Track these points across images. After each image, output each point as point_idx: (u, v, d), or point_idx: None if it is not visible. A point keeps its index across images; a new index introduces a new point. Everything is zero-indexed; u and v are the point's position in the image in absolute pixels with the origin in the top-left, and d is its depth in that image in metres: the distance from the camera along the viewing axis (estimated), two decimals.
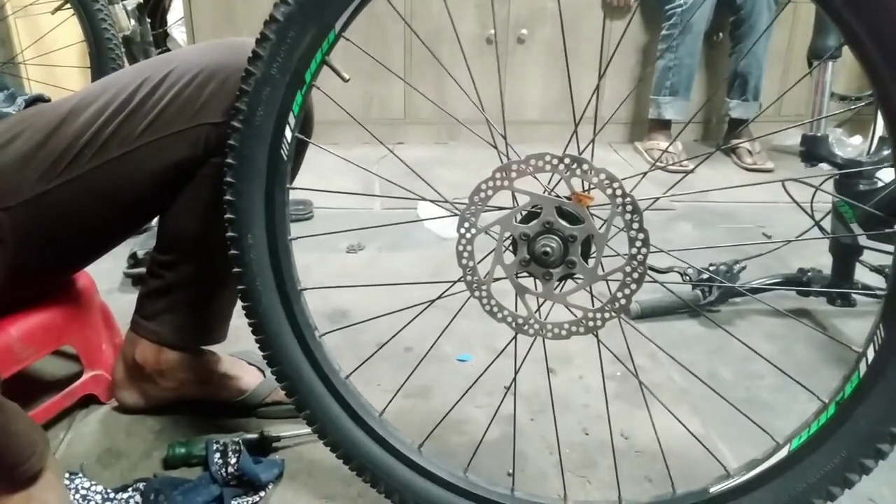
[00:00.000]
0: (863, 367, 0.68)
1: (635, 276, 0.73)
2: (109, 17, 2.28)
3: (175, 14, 3.24)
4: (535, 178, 0.75)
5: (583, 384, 1.19)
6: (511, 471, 1.05)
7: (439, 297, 0.85)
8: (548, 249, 0.73)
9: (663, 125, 2.81)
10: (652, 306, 1.55)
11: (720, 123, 3.05)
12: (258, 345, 0.89)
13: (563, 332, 0.77)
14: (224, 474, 0.99)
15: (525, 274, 0.77)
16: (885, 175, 1.36)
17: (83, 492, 0.95)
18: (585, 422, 1.17)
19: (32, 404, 1.08)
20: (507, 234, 0.76)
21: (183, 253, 1.04)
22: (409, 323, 0.91)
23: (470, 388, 0.88)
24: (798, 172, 1.54)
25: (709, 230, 2.08)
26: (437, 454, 0.90)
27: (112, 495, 0.96)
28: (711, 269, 1.60)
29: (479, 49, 2.89)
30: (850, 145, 1.47)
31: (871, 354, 0.68)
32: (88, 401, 1.16)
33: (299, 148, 1.02)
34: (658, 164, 2.68)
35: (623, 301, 0.74)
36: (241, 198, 0.82)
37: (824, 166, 1.44)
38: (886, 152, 1.35)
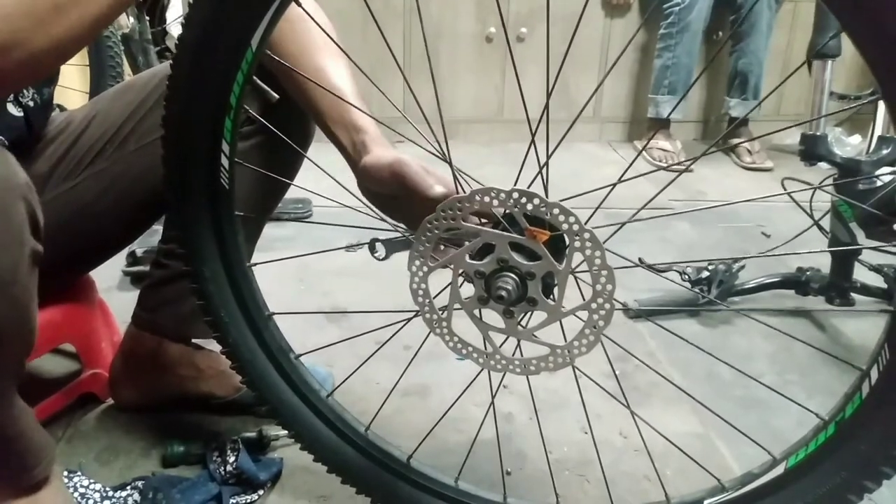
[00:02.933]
0: (865, 388, 0.63)
1: (602, 312, 0.68)
2: None
3: (174, 12, 3.24)
4: (491, 211, 0.68)
5: (581, 383, 1.19)
6: (509, 471, 1.05)
7: (393, 335, 0.83)
8: (503, 293, 0.67)
9: (662, 124, 2.81)
10: (650, 305, 1.55)
11: (719, 122, 3.05)
12: (235, 371, 0.89)
13: (532, 368, 0.73)
14: (222, 473, 0.99)
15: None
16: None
17: (82, 490, 0.95)
18: (584, 420, 1.17)
19: (32, 402, 1.07)
20: (461, 271, 0.71)
21: None
22: (372, 354, 0.90)
23: (462, 394, 0.88)
24: (797, 172, 1.54)
25: (707, 230, 2.08)
26: (433, 454, 0.90)
27: (111, 493, 0.96)
28: (710, 268, 1.60)
29: (479, 47, 2.89)
30: (850, 144, 1.47)
31: (874, 375, 0.63)
32: (87, 399, 1.16)
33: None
34: (657, 163, 2.68)
35: (591, 338, 0.69)
36: (190, 232, 0.80)
37: (823, 165, 1.44)
38: (886, 151, 1.35)
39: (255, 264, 0.85)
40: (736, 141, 2.80)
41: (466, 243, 0.69)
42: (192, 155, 0.75)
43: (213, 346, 1.17)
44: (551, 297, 0.70)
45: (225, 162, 0.75)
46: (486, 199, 0.66)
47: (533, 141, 0.69)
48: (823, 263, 1.54)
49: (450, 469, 0.89)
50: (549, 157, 0.69)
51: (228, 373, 1.15)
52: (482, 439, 0.93)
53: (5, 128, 0.89)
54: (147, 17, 2.40)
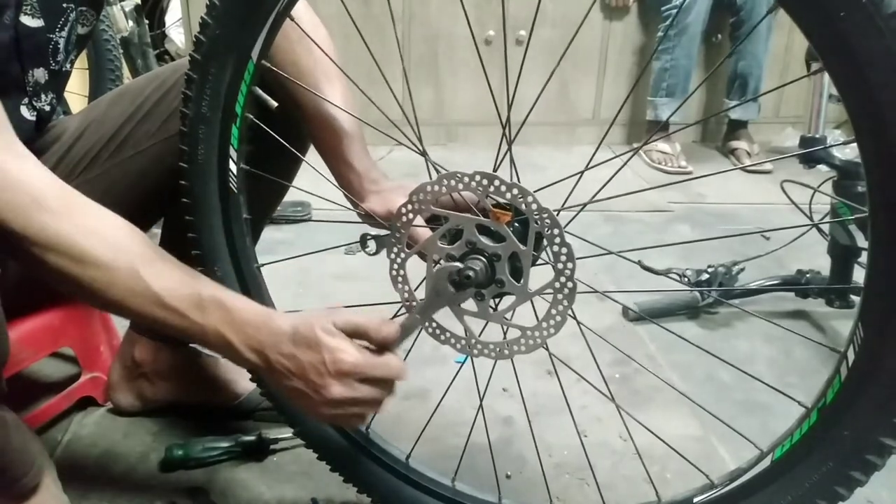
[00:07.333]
0: (843, 370, 0.62)
1: (565, 291, 0.69)
2: (108, 19, 2.28)
3: (173, 15, 3.24)
4: (460, 195, 0.72)
5: (581, 386, 1.19)
6: (509, 474, 1.05)
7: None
8: (469, 273, 0.69)
9: (661, 126, 2.81)
10: (650, 308, 1.55)
11: (719, 124, 3.05)
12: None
13: (506, 352, 0.74)
14: None
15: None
16: None
17: None
18: (583, 424, 1.17)
19: (31, 406, 1.07)
20: (436, 256, 0.73)
21: (187, 247, 1.05)
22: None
23: (446, 392, 0.88)
24: (797, 174, 1.54)
25: (707, 232, 2.08)
26: (433, 457, 0.90)
27: None
28: (710, 270, 1.60)
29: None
30: (849, 147, 1.47)
31: (851, 356, 0.61)
32: (86, 403, 1.16)
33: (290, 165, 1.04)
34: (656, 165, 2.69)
35: (559, 318, 0.70)
36: (202, 233, 0.84)
37: (823, 168, 1.44)
38: None
39: (263, 265, 0.88)
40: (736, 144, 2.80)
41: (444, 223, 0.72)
42: (204, 161, 0.80)
43: (212, 352, 1.17)
44: (522, 281, 0.71)
45: (233, 167, 0.81)
46: (452, 182, 0.69)
47: (505, 130, 0.73)
48: (823, 266, 1.53)
49: (449, 473, 0.89)
50: (511, 142, 0.74)
51: (227, 378, 1.16)
52: (482, 442, 0.93)
53: (15, 131, 0.89)
54: (146, 21, 2.40)
